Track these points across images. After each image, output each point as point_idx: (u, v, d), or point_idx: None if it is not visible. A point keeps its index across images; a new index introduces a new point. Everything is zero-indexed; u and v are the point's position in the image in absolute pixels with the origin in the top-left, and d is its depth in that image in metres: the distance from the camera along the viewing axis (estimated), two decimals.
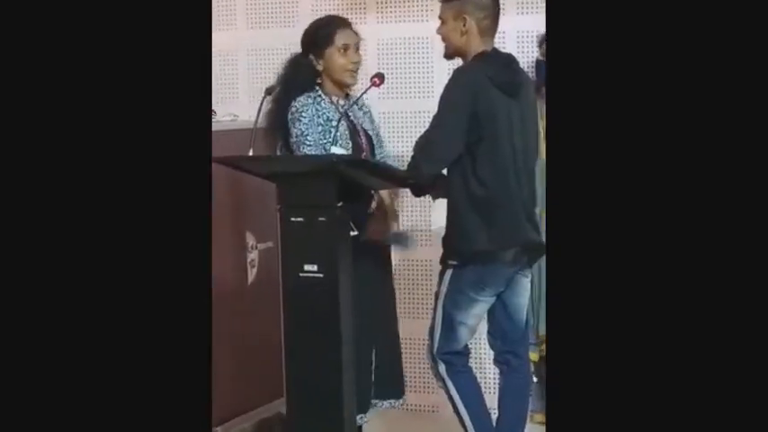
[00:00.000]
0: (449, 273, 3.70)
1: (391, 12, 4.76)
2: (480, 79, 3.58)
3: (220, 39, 4.82)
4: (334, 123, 3.81)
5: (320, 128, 3.81)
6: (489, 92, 3.58)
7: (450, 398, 3.78)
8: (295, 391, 3.72)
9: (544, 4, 4.41)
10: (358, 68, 3.94)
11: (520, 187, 3.67)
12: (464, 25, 3.64)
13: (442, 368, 3.76)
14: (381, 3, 4.77)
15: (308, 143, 3.79)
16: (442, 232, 3.76)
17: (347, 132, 3.88)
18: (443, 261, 3.74)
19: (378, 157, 4.01)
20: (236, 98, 4.98)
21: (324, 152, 3.76)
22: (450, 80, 3.65)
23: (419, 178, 3.66)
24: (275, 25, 4.97)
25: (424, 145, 3.61)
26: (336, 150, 3.74)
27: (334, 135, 3.78)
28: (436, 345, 3.75)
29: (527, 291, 3.83)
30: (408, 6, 4.71)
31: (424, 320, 4.03)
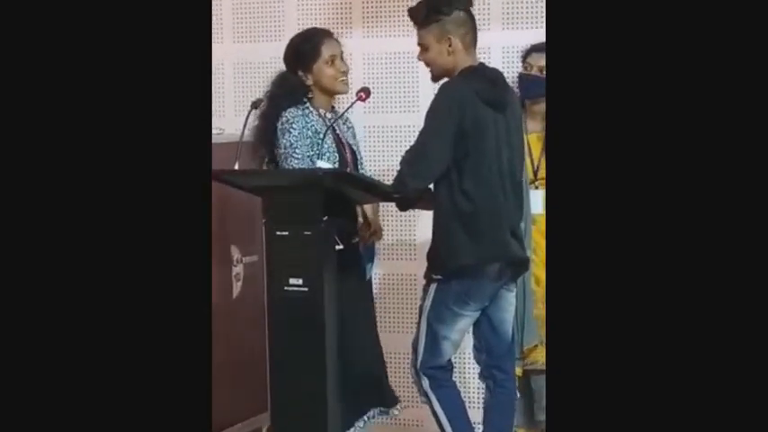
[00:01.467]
0: (433, 287, 3.70)
1: (377, 26, 4.78)
2: (468, 94, 3.59)
3: None
4: (322, 136, 3.82)
5: (308, 140, 3.82)
6: (476, 107, 3.59)
7: (434, 413, 3.77)
8: (280, 404, 3.72)
9: (530, 19, 4.46)
10: (347, 76, 3.96)
11: (506, 202, 3.68)
12: (450, 45, 3.65)
13: (425, 383, 3.75)
14: (367, 17, 4.79)
15: (295, 156, 3.80)
16: (427, 246, 3.77)
17: (333, 146, 3.89)
18: (428, 275, 3.75)
19: (360, 172, 4.03)
20: (222, 112, 4.98)
21: (310, 165, 3.77)
22: (438, 95, 3.65)
23: (405, 192, 3.66)
24: (261, 39, 4.98)
25: (410, 160, 3.60)
26: (322, 164, 3.75)
27: (321, 148, 3.79)
28: (420, 359, 3.75)
29: (512, 305, 3.83)
30: (394, 21, 4.72)
31: (407, 335, 4.04)
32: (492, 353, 3.82)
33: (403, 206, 3.87)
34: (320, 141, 3.80)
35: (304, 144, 3.81)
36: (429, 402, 3.77)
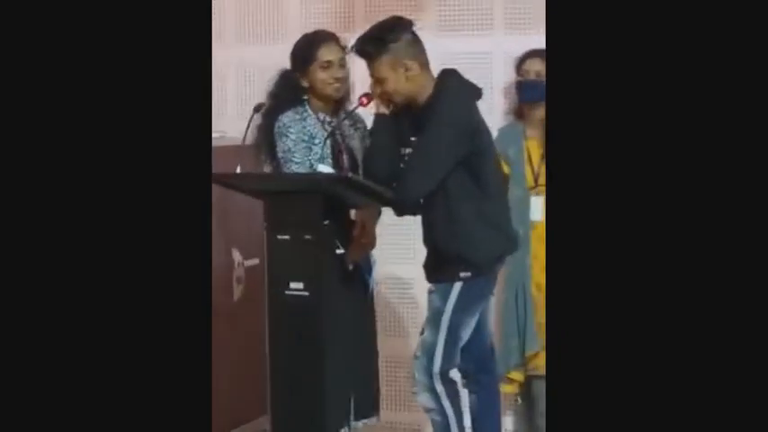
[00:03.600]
0: (457, 286, 3.64)
1: None
2: (469, 94, 3.65)
3: None
4: (317, 141, 3.82)
5: (304, 144, 3.83)
6: (475, 105, 3.66)
7: (444, 418, 3.69)
8: (279, 406, 3.72)
9: (530, 25, 4.46)
10: (343, 82, 3.93)
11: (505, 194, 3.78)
12: (406, 70, 3.63)
13: (440, 388, 3.68)
14: (370, 18, 4.78)
15: (295, 160, 3.80)
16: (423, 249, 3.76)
17: (329, 151, 3.88)
18: (447, 273, 3.68)
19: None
20: (225, 114, 4.98)
21: (310, 169, 3.77)
22: (438, 101, 3.64)
23: (410, 199, 3.66)
24: (265, 41, 4.98)
25: (414, 165, 3.61)
26: (323, 168, 3.75)
27: (322, 152, 3.79)
28: (438, 364, 3.66)
29: (493, 308, 3.87)
30: None
31: (402, 339, 4.02)
32: (477, 357, 3.77)
33: (400, 211, 3.85)
34: (315, 145, 3.80)
35: (301, 148, 3.82)
36: (438, 409, 3.70)
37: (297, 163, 3.80)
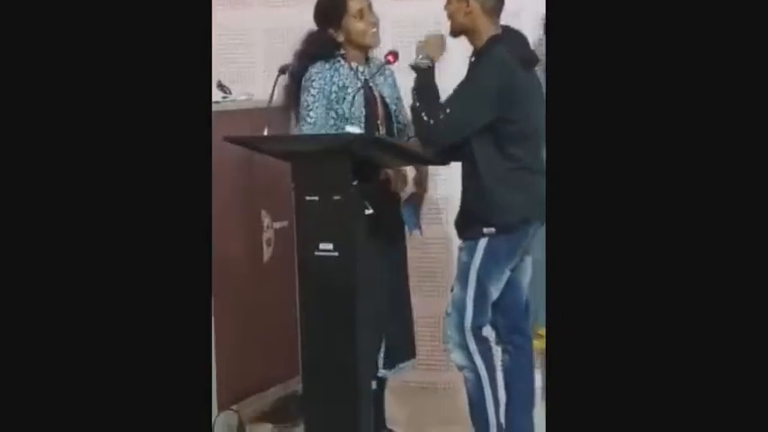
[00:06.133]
0: (483, 242, 3.69)
1: None
2: (509, 58, 3.65)
3: (235, 17, 4.82)
4: (350, 91, 3.82)
5: (333, 95, 3.82)
6: (516, 71, 3.66)
7: (476, 375, 3.73)
8: (312, 367, 3.74)
9: None
10: (378, 27, 3.94)
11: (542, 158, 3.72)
12: (467, 6, 3.68)
13: (472, 344, 3.72)
14: None
15: (308, 120, 3.81)
16: (454, 209, 3.76)
17: (363, 101, 3.87)
18: (473, 229, 3.73)
19: (396, 126, 4.01)
20: (252, 77, 4.96)
21: (331, 128, 3.78)
22: (479, 59, 3.69)
23: (435, 143, 3.69)
24: (290, 3, 4.95)
25: (450, 109, 3.62)
26: (351, 129, 3.74)
27: (351, 106, 3.78)
28: (470, 319, 3.71)
29: (529, 270, 3.86)
30: None
31: (434, 299, 4.02)
32: (509, 315, 3.81)
33: (441, 161, 3.87)
34: (346, 97, 3.81)
35: (322, 105, 3.81)
36: (472, 365, 3.73)
37: (309, 123, 3.80)
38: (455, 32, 3.78)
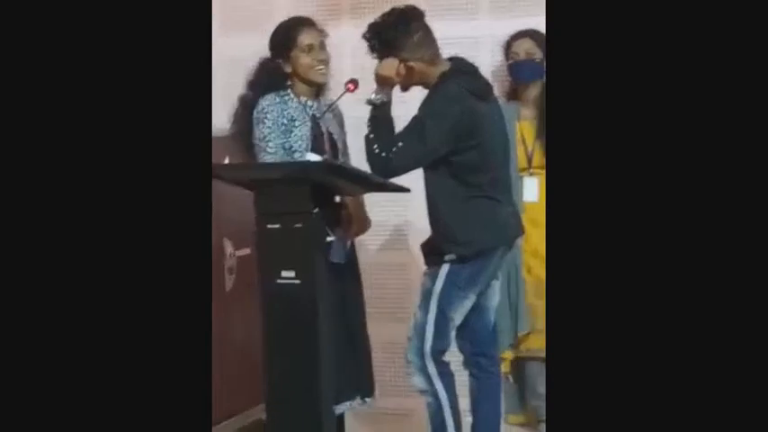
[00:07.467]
0: (445, 268, 3.70)
1: (366, 16, 4.74)
2: (462, 91, 3.65)
3: None
4: (297, 124, 3.83)
5: (283, 128, 3.83)
6: (470, 101, 3.65)
7: (437, 400, 3.74)
8: (275, 395, 3.73)
9: (517, 8, 4.45)
10: (326, 65, 3.95)
11: (506, 186, 3.77)
12: (410, 69, 3.68)
13: (431, 368, 3.73)
14: (356, 7, 4.78)
15: (269, 150, 3.83)
16: (417, 234, 3.78)
17: (310, 135, 3.88)
18: (436, 256, 3.74)
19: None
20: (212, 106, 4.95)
21: (285, 158, 3.78)
22: (433, 92, 3.69)
23: (389, 173, 3.67)
24: (250, 32, 4.96)
25: (405, 139, 3.62)
26: (311, 156, 3.75)
27: (306, 139, 3.79)
28: (429, 343, 3.72)
29: (497, 295, 3.88)
30: (383, 11, 4.70)
31: (398, 324, 4.03)
32: (476, 340, 3.84)
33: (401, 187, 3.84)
34: (296, 128, 3.83)
35: (278, 135, 3.82)
36: (431, 389, 3.74)
37: (270, 153, 3.81)
38: (404, 88, 3.77)
